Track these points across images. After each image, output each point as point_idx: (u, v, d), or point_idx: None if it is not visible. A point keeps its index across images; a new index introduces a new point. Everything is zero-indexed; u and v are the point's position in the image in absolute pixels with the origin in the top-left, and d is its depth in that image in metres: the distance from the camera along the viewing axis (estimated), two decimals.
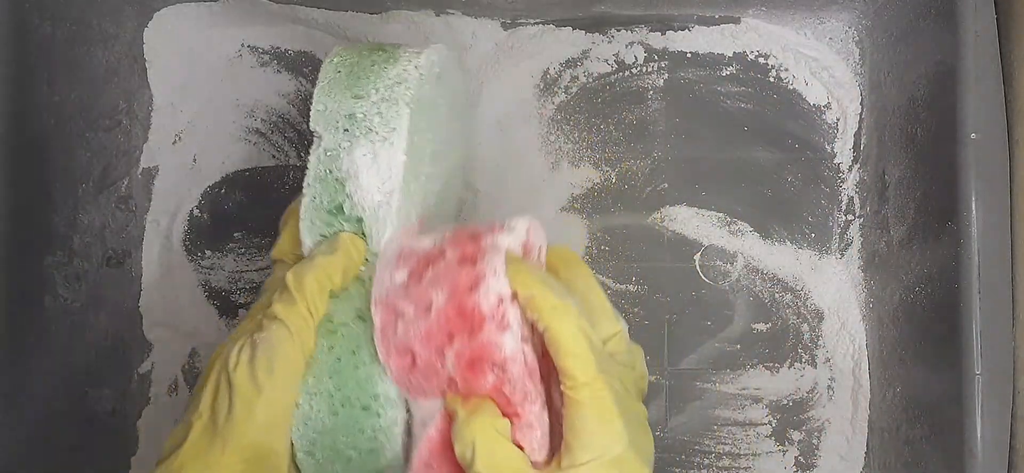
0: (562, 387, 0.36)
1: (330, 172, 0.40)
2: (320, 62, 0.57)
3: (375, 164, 0.39)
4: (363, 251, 0.40)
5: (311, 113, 0.40)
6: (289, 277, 0.38)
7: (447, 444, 0.37)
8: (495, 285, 0.35)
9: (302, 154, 0.57)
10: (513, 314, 0.35)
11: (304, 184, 0.40)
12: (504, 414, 0.36)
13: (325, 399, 0.38)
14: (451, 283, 0.36)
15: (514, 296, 0.36)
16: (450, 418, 0.37)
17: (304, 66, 0.57)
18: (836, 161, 0.56)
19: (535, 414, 0.36)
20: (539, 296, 0.35)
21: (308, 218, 0.40)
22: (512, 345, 0.35)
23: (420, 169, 0.42)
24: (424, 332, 0.36)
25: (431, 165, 0.44)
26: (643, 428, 0.38)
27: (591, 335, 0.36)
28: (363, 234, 0.40)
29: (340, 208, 0.40)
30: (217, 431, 0.35)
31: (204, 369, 0.38)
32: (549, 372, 0.37)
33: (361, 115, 0.40)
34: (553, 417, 0.37)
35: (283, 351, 0.36)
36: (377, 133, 0.39)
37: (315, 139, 0.40)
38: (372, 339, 0.38)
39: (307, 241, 0.40)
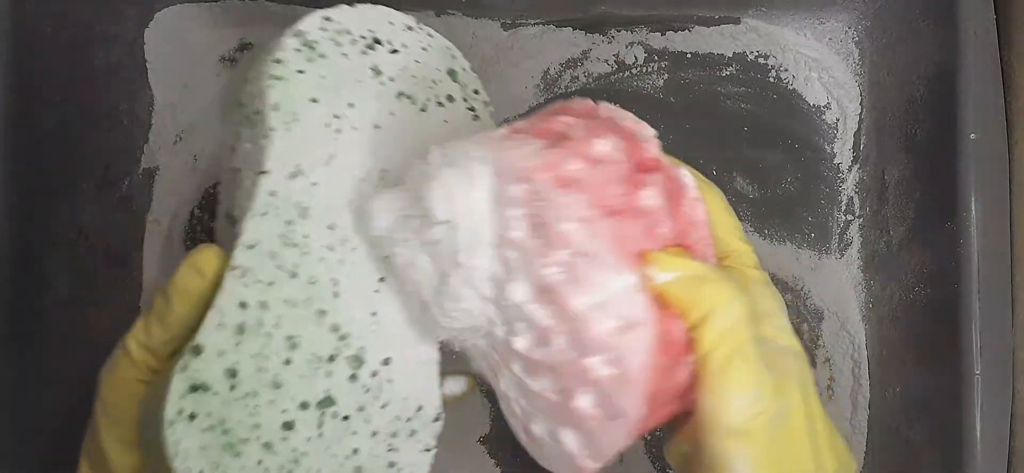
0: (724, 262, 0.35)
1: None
2: None
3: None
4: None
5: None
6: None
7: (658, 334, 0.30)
8: (641, 131, 0.33)
9: None
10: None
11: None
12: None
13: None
14: (607, 129, 0.32)
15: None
16: (652, 298, 0.30)
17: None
18: (836, 161, 0.56)
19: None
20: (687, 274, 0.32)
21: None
22: (689, 180, 0.34)
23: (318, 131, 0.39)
24: (609, 177, 0.31)
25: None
26: None
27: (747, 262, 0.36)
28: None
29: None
30: None
31: None
32: None
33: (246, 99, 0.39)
34: None
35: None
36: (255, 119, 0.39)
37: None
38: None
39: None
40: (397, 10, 0.55)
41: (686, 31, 0.57)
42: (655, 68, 0.57)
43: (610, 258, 0.29)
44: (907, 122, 0.51)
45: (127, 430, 0.37)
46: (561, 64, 0.57)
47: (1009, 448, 0.44)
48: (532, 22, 0.56)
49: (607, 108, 0.33)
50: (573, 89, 0.57)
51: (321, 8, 0.55)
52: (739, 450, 0.31)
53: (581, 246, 0.29)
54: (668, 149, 0.56)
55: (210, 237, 0.57)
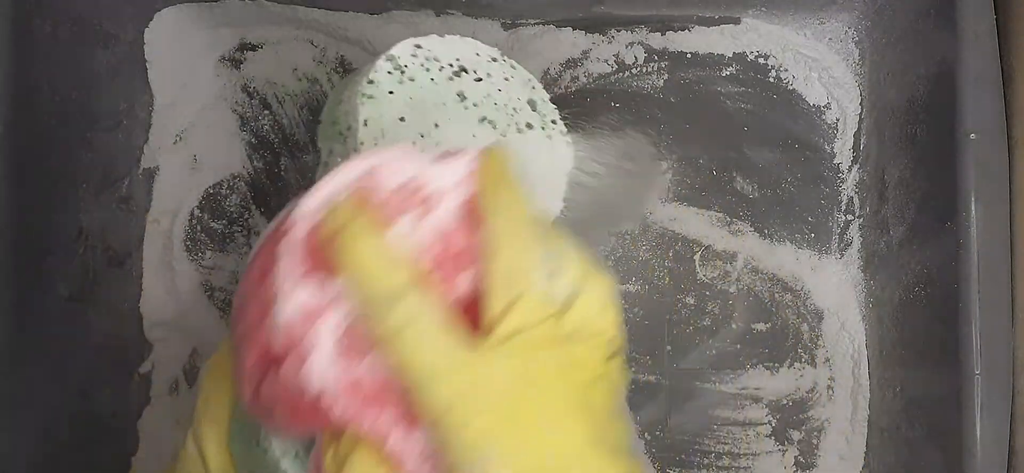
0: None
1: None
2: (321, 63, 0.57)
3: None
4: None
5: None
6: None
7: None
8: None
9: (302, 154, 0.57)
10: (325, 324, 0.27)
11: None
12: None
13: None
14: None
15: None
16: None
17: (304, 66, 0.57)
18: (836, 161, 0.56)
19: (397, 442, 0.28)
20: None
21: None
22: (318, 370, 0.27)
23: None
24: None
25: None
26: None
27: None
28: None
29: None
30: None
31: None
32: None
33: (341, 118, 0.42)
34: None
35: None
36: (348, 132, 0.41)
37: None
38: None
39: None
40: (397, 10, 0.55)
41: (686, 31, 0.57)
42: (655, 68, 0.57)
43: None
44: (907, 122, 0.51)
45: (223, 431, 0.36)
46: (561, 64, 0.57)
47: (1009, 448, 0.44)
48: (532, 22, 0.56)
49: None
50: (573, 89, 0.57)
51: (320, 8, 0.55)
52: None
53: None
54: (668, 149, 0.56)
55: (210, 237, 0.57)
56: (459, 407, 0.26)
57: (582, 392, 0.28)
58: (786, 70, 0.56)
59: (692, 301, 0.56)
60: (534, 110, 0.45)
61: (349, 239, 0.27)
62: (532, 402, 0.27)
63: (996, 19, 0.45)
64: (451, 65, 0.43)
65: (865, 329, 0.55)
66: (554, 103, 0.46)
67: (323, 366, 0.27)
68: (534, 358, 0.27)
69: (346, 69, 0.57)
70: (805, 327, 0.56)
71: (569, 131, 0.46)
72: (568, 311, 0.29)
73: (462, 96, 0.43)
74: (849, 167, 0.56)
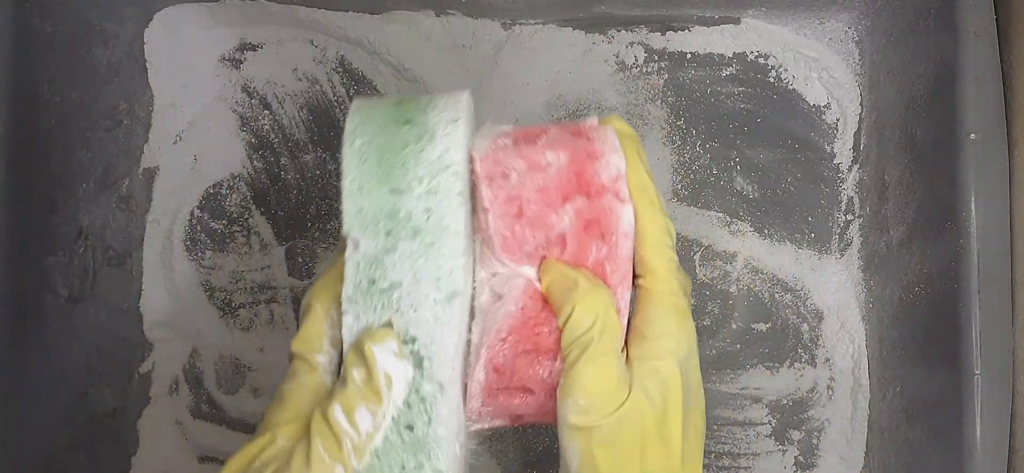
0: (638, 279, 0.35)
1: (373, 282, 0.34)
2: (321, 63, 0.57)
3: (428, 269, 0.33)
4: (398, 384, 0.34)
5: (343, 215, 0.34)
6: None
7: (530, 322, 0.35)
8: (615, 160, 0.34)
9: (302, 154, 0.57)
10: (626, 193, 0.34)
11: (342, 298, 0.34)
12: None
13: None
14: (570, 148, 0.34)
15: None
16: (538, 294, 0.35)
17: (304, 66, 0.57)
18: (836, 161, 0.56)
19: (625, 302, 0.35)
20: (636, 180, 0.35)
21: (349, 339, 0.34)
22: (628, 220, 0.34)
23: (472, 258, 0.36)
24: (540, 184, 0.34)
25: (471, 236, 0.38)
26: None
27: (673, 235, 0.36)
28: (417, 356, 0.34)
29: (389, 324, 0.34)
30: None
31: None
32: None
33: (404, 214, 0.34)
34: None
35: None
36: (426, 234, 0.34)
37: (349, 243, 0.34)
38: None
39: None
40: (397, 9, 0.55)
41: (686, 31, 0.57)
42: (655, 68, 0.57)
43: (496, 248, 0.35)
44: (907, 122, 0.51)
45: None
46: (561, 64, 0.57)
47: (1009, 448, 0.44)
48: (532, 22, 0.56)
49: (599, 131, 0.36)
50: (573, 89, 0.57)
51: (320, 8, 0.55)
52: (572, 442, 0.34)
53: (485, 231, 0.35)
54: (668, 149, 0.56)
55: (209, 237, 0.57)
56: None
57: None
58: (786, 70, 0.56)
59: (692, 301, 0.56)
60: None
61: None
62: None
63: (996, 19, 0.45)
64: None
65: (865, 329, 0.55)
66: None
67: (630, 215, 0.34)
68: None
69: (346, 69, 0.57)
70: (805, 327, 0.56)
71: None
72: None
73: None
74: (849, 167, 0.56)
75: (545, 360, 0.35)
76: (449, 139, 0.34)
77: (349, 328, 0.34)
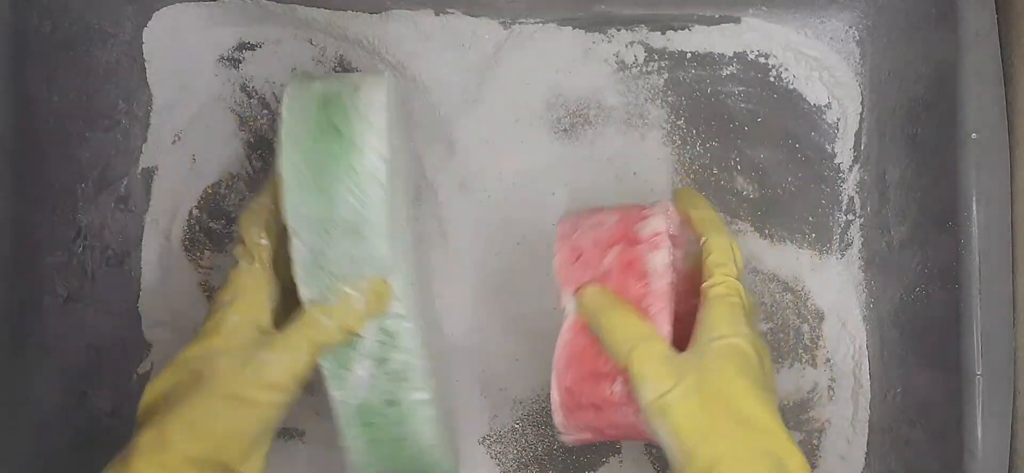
0: (702, 287, 0.43)
1: (320, 268, 0.41)
2: (320, 62, 0.57)
3: (363, 256, 0.41)
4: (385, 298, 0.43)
5: (284, 209, 0.41)
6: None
7: (585, 351, 0.43)
8: (654, 223, 0.43)
9: None
10: (666, 246, 0.42)
11: (294, 274, 0.42)
12: None
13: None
14: (624, 211, 0.45)
15: (677, 232, 0.44)
16: (581, 326, 0.43)
17: (303, 66, 0.57)
18: (836, 161, 0.56)
19: (666, 328, 0.42)
20: (705, 215, 0.45)
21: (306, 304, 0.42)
22: (658, 263, 0.42)
23: (401, 225, 0.44)
24: (594, 237, 0.44)
25: (403, 197, 0.46)
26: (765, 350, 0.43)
27: (738, 257, 0.44)
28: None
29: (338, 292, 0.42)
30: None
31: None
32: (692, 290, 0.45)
33: (337, 217, 0.40)
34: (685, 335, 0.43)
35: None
36: (358, 231, 0.41)
37: (291, 233, 0.41)
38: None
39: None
40: (397, 9, 0.55)
41: (686, 30, 0.56)
42: (655, 68, 0.57)
43: (558, 280, 0.45)
44: (908, 122, 0.51)
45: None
46: (561, 63, 0.57)
47: (1010, 449, 0.44)
48: (532, 21, 0.56)
49: (660, 203, 0.45)
50: (573, 88, 0.56)
51: (320, 7, 0.55)
52: (660, 424, 0.39)
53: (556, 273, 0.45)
54: (668, 149, 0.56)
55: (208, 237, 0.57)
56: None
57: None
58: (787, 69, 0.56)
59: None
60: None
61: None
62: None
63: (996, 19, 0.45)
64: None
65: (865, 329, 0.55)
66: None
67: (664, 261, 0.43)
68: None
69: (345, 68, 0.57)
70: (806, 327, 0.55)
71: None
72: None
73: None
74: (850, 167, 0.56)
75: (605, 382, 0.42)
76: (373, 151, 0.40)
77: (303, 297, 0.42)
